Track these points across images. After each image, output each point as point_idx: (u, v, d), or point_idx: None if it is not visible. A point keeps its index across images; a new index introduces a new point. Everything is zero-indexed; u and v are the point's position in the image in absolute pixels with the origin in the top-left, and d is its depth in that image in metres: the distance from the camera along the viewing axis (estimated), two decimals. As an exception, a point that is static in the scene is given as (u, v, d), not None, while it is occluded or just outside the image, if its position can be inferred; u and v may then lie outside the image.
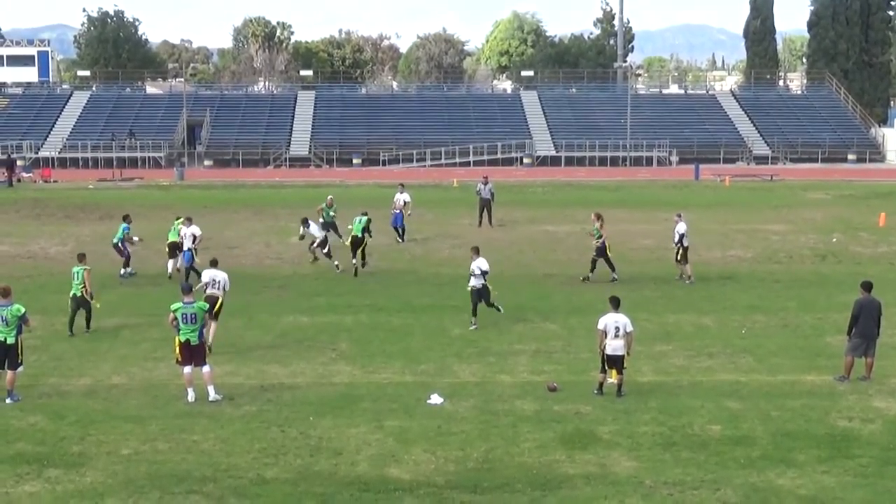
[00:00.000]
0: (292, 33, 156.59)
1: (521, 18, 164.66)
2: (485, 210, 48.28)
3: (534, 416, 20.15)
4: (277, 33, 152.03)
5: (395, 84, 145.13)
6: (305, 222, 37.03)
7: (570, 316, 28.96)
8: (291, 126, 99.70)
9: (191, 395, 21.07)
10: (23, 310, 21.36)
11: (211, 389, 21.14)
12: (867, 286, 22.76)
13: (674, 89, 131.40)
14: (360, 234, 37.18)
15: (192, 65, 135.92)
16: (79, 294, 26.79)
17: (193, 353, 21.21)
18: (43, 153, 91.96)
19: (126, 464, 17.64)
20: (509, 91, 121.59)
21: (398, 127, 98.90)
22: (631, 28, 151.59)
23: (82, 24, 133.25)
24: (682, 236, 34.63)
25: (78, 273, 26.95)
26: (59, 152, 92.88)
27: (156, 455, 18.06)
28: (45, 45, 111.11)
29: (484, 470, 17.44)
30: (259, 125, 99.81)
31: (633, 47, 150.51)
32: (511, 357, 24.68)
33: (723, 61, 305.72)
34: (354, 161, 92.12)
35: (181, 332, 21.19)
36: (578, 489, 16.67)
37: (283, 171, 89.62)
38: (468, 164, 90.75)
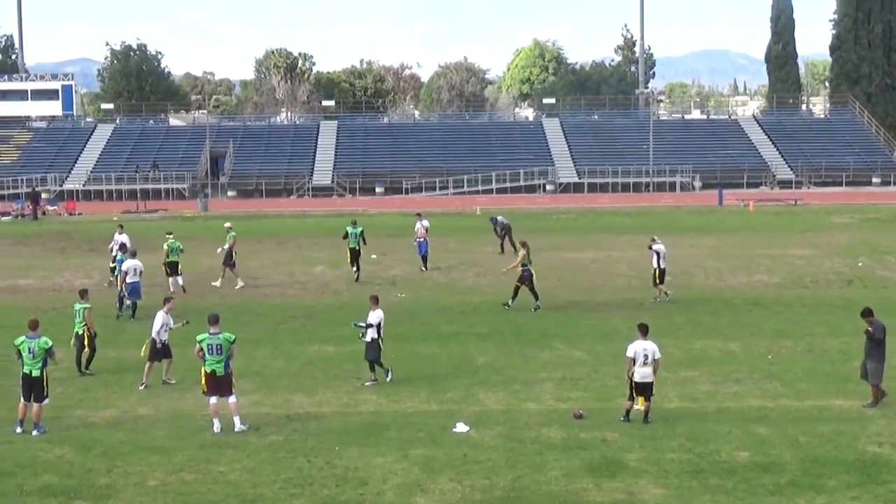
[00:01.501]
0: (314, 64, 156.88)
1: (542, 46, 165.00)
2: (505, 237, 47.96)
3: (560, 443, 20.08)
4: (299, 64, 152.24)
5: (416, 113, 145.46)
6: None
7: (596, 343, 28.89)
8: (314, 156, 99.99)
9: (216, 426, 21.10)
10: (50, 343, 21.42)
11: (237, 420, 21.16)
12: (871, 311, 22.87)
13: (695, 114, 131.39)
14: (356, 247, 39.65)
15: (214, 97, 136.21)
16: (81, 332, 26.55)
17: (219, 384, 21.22)
18: (68, 186, 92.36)
19: (153, 495, 17.63)
20: (531, 118, 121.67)
21: (421, 155, 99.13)
22: (652, 54, 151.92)
23: (105, 58, 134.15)
24: (659, 257, 34.60)
25: (79, 311, 26.62)
26: (84, 185, 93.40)
27: (182, 486, 18.04)
28: (68, 79, 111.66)
29: (511, 499, 17.40)
30: (282, 155, 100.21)
31: (654, 73, 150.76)
32: (537, 385, 24.61)
33: (745, 86, 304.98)
34: (377, 190, 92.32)
35: (206, 362, 21.23)
36: (605, 517, 16.62)
37: (305, 200, 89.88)
38: (491, 191, 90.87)
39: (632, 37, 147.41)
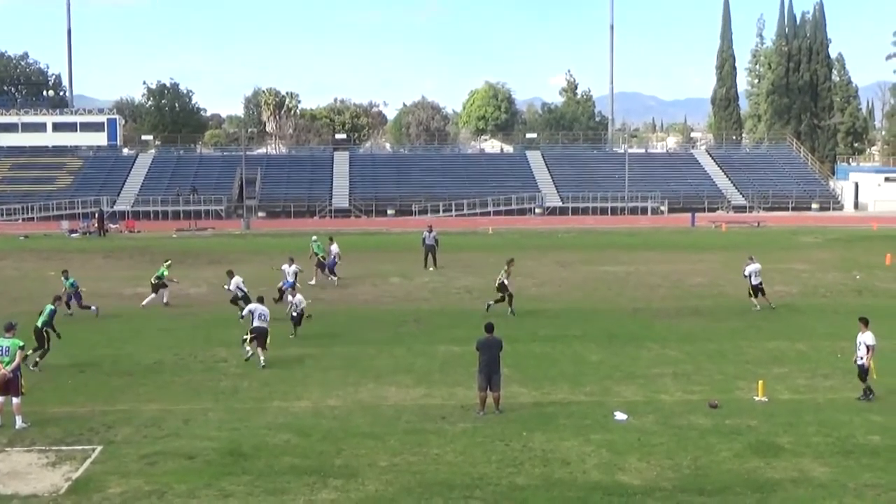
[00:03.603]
0: (300, 102, 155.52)
1: (494, 88, 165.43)
2: (429, 254, 47.62)
3: (713, 429, 20.23)
4: (287, 102, 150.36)
5: (388, 145, 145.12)
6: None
7: (682, 344, 28.87)
8: (331, 181, 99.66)
9: None
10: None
11: (18, 419, 20.43)
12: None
13: (648, 149, 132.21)
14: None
15: (249, 129, 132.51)
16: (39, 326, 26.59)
17: (7, 385, 20.56)
18: (118, 207, 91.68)
19: (392, 474, 17.59)
20: (499, 151, 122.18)
21: (424, 182, 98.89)
22: (592, 96, 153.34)
23: (143, 95, 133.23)
24: (750, 275, 34.89)
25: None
26: (132, 206, 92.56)
27: (410, 466, 17.99)
28: (113, 114, 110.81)
29: (700, 475, 17.53)
30: (303, 181, 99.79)
31: (599, 112, 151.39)
32: (657, 379, 24.68)
33: (662, 124, 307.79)
34: (389, 212, 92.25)
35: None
36: (791, 492, 16.77)
37: (328, 220, 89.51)
38: (488, 213, 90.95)
39: (574, 80, 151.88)
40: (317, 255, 43.16)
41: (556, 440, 19.53)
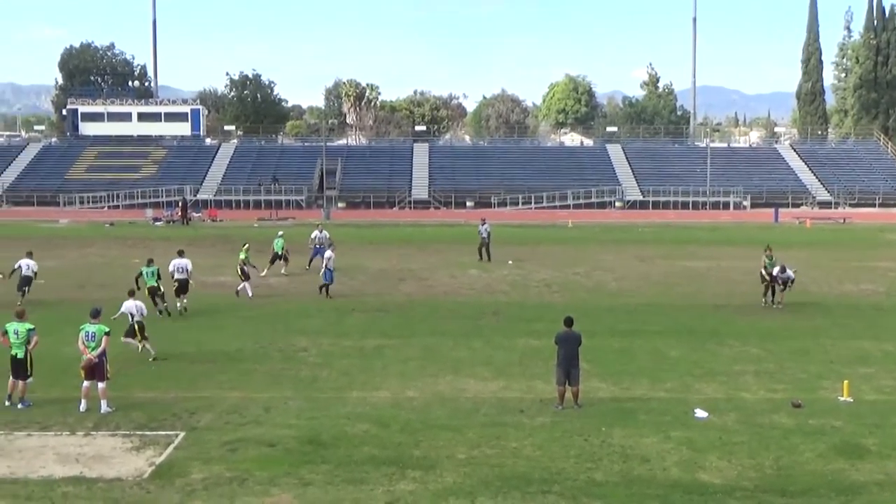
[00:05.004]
0: (380, 93, 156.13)
1: (575, 81, 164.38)
2: (484, 248, 47.47)
3: (797, 429, 19.85)
4: (367, 93, 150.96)
5: (467, 137, 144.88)
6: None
7: (763, 341, 28.40)
8: (411, 173, 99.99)
9: (83, 406, 20.68)
10: (32, 326, 21.29)
11: (103, 403, 20.66)
12: None
13: (731, 143, 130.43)
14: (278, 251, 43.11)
15: (330, 120, 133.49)
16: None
17: (93, 369, 20.83)
18: (201, 196, 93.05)
19: (470, 466, 17.48)
20: (592, 145, 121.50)
21: (503, 174, 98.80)
22: (673, 90, 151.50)
23: (225, 86, 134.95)
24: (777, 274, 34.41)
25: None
26: (214, 195, 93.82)
27: (488, 459, 17.86)
28: (196, 104, 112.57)
29: (783, 476, 17.21)
30: (383, 172, 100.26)
31: (681, 105, 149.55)
32: (739, 377, 24.29)
33: (745, 118, 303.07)
34: (468, 204, 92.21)
35: (89, 348, 21.00)
36: (876, 495, 16.37)
37: (407, 211, 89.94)
38: (567, 206, 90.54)
39: (656, 74, 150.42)
40: (275, 250, 42.95)
41: (635, 436, 19.32)
